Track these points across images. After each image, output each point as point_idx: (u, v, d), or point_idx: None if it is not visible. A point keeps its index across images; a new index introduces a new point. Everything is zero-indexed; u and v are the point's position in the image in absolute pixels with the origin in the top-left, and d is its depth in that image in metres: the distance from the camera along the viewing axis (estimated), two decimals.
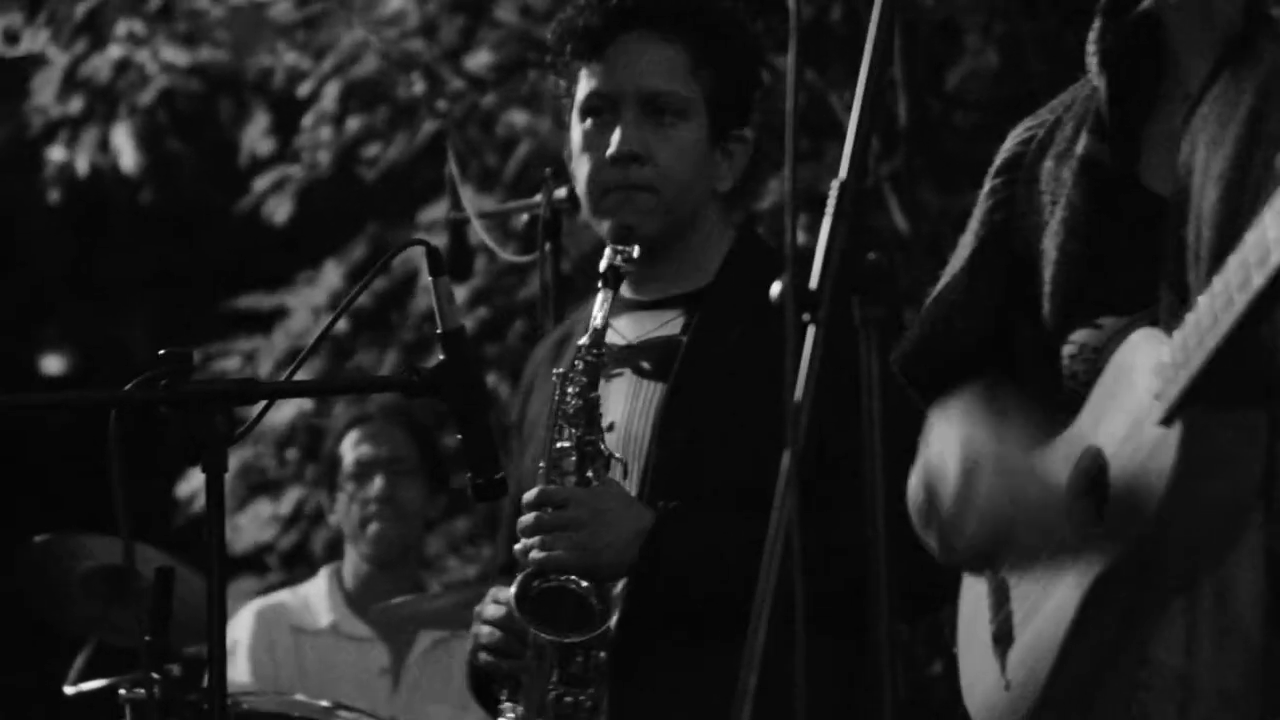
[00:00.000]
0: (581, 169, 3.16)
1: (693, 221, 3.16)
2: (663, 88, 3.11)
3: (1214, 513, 1.99)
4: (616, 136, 3.09)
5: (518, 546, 3.02)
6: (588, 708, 2.94)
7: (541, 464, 3.05)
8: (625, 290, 3.14)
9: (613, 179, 3.11)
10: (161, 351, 2.63)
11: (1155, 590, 2.03)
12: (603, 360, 3.03)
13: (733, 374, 3.02)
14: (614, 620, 2.95)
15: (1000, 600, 2.21)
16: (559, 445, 3.03)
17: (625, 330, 3.15)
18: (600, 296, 3.03)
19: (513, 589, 2.97)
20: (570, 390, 3.02)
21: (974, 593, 2.28)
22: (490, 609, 3.07)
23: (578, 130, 3.18)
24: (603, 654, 2.94)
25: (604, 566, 2.96)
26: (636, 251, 3.04)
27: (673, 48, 3.12)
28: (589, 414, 3.02)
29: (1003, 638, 2.19)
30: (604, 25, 3.13)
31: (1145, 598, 2.04)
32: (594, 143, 3.14)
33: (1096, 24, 2.22)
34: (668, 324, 3.14)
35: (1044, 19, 5.78)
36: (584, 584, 2.95)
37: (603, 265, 3.04)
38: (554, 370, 3.09)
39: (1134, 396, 2.01)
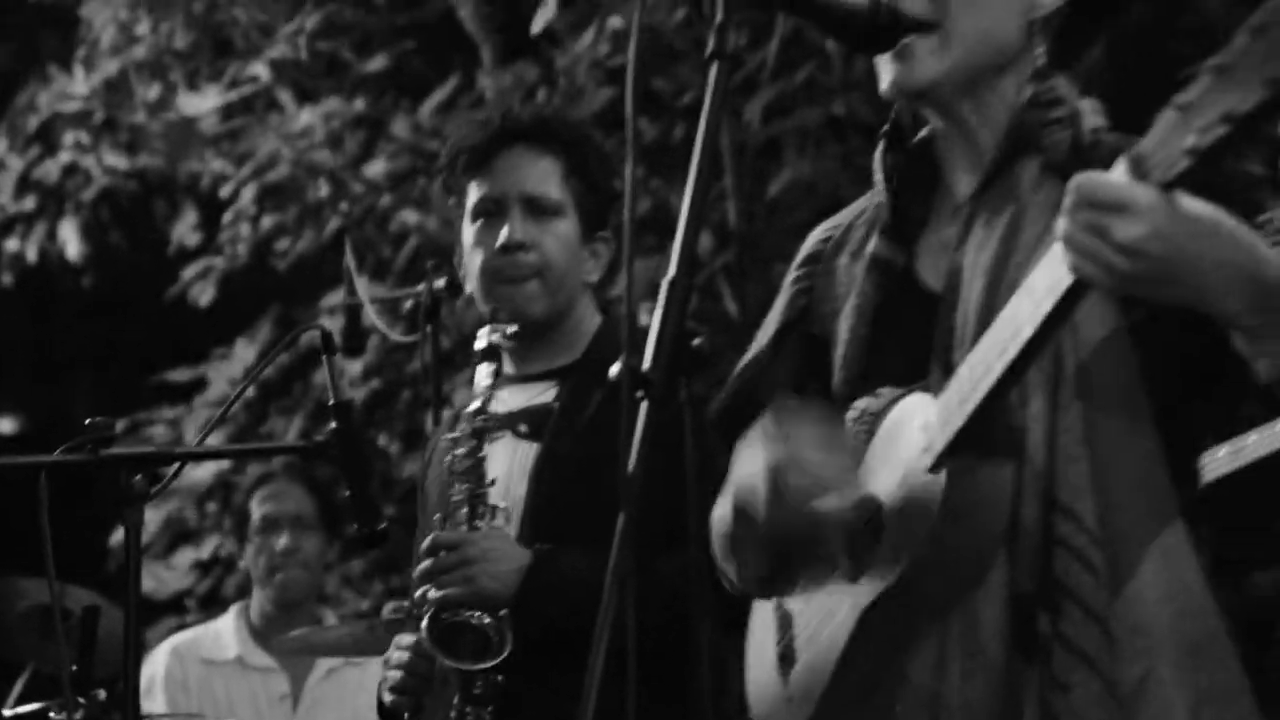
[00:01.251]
0: (474, 262, 3.17)
1: (569, 306, 3.17)
2: (540, 191, 3.14)
3: (966, 551, 1.99)
4: (505, 231, 3.11)
5: (418, 592, 2.99)
6: None
7: (438, 515, 3.05)
8: (509, 367, 3.14)
9: (503, 266, 3.12)
10: (88, 421, 2.59)
11: (915, 618, 2.03)
12: (488, 425, 3.02)
13: (595, 436, 3.00)
14: (509, 649, 2.93)
15: (785, 625, 2.21)
16: (453, 499, 3.02)
17: (508, 399, 3.13)
18: (482, 369, 3.02)
19: (423, 623, 2.94)
20: (460, 452, 3.02)
21: (761, 617, 2.27)
22: (395, 654, 3.05)
23: (469, 231, 3.18)
24: (500, 677, 2.92)
25: (491, 597, 2.94)
26: (510, 329, 3.04)
27: (548, 159, 3.16)
28: (477, 471, 3.01)
29: (787, 657, 2.18)
30: (489, 143, 3.16)
31: (906, 625, 2.03)
32: (484, 239, 3.14)
33: (880, 147, 2.24)
34: (542, 394, 3.13)
35: (848, 142, 5.86)
36: (486, 619, 2.93)
37: (480, 344, 3.04)
38: (444, 435, 3.09)
39: (905, 449, 2.02)
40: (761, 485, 2.10)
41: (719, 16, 2.01)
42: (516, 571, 2.95)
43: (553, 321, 3.14)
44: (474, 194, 3.17)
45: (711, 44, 2.01)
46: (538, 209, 3.13)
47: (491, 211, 3.14)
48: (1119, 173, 1.73)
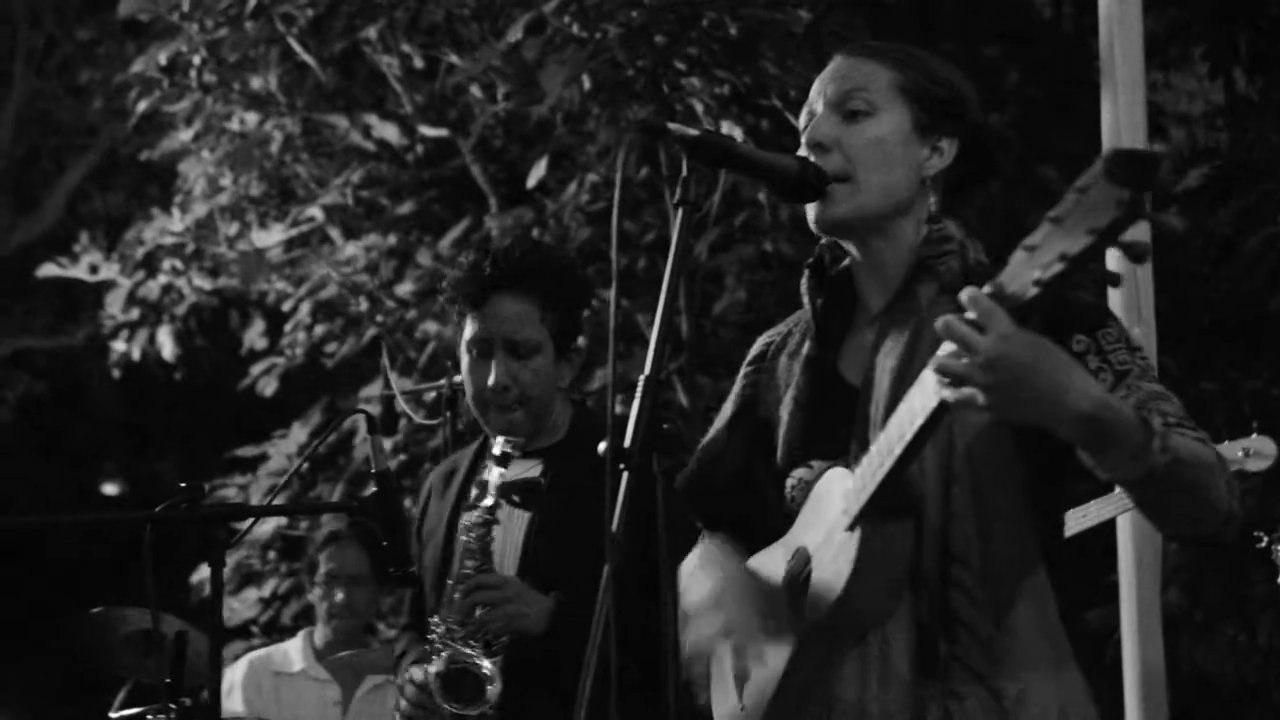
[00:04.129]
0: (468, 387, 3.08)
1: (550, 407, 3.08)
2: (521, 335, 3.01)
3: (878, 590, 1.98)
4: (492, 375, 3.01)
5: (477, 614, 2.89)
6: None
7: (450, 580, 2.94)
8: (501, 446, 3.09)
9: (492, 400, 3.03)
10: (182, 484, 2.57)
11: (840, 643, 2.01)
12: (495, 517, 2.91)
13: (578, 505, 2.89)
14: (494, 695, 2.84)
15: (740, 650, 2.18)
16: (463, 571, 2.92)
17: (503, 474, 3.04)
18: (496, 471, 2.90)
19: (433, 668, 2.85)
20: (473, 535, 2.92)
21: (723, 647, 2.25)
22: (407, 688, 2.93)
23: (465, 358, 3.08)
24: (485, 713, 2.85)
25: (524, 630, 2.87)
26: (521, 442, 2.94)
27: (526, 303, 3.01)
28: (484, 550, 2.91)
29: (741, 676, 2.16)
30: (479, 288, 3.03)
31: (833, 650, 2.02)
32: (476, 371, 3.04)
33: (806, 275, 2.25)
34: (530, 469, 3.04)
35: (775, 271, 5.89)
36: (485, 668, 2.85)
37: (496, 450, 2.91)
38: (462, 520, 2.98)
39: (829, 512, 2.02)
40: (710, 628, 2.11)
41: (684, 172, 2.03)
42: (545, 611, 2.88)
43: (541, 417, 3.05)
44: (468, 329, 3.05)
45: (679, 193, 2.03)
46: (519, 350, 3.01)
47: (481, 349, 3.03)
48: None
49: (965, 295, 1.73)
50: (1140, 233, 1.62)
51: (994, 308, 1.71)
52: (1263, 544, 4.03)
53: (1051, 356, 1.77)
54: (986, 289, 1.72)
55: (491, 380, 3.01)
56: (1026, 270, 1.66)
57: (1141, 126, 3.81)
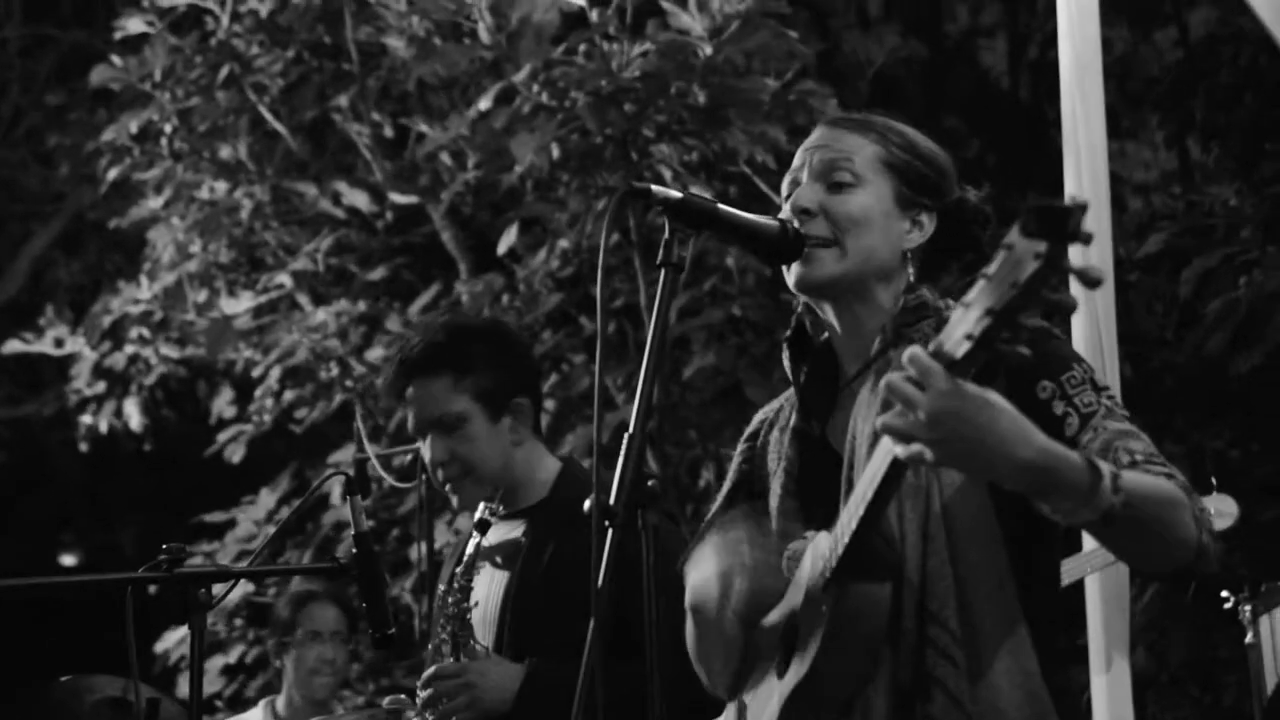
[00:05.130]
0: (425, 460, 3.11)
1: (508, 467, 3.05)
2: (440, 412, 3.00)
3: (851, 650, 2.00)
4: (427, 458, 3.04)
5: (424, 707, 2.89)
6: None
7: (429, 648, 2.96)
8: (480, 512, 3.08)
9: (439, 478, 3.06)
10: (165, 546, 2.58)
11: (823, 704, 2.02)
12: (471, 585, 2.92)
13: (558, 565, 2.92)
14: None
15: (741, 712, 2.20)
16: (438, 640, 2.93)
17: (487, 536, 3.04)
18: (473, 539, 2.92)
19: None
20: (450, 600, 2.93)
21: (729, 706, 2.27)
22: None
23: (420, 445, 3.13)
24: None
25: (492, 711, 2.86)
26: (502, 509, 2.97)
27: (438, 379, 3.01)
28: (462, 619, 2.92)
29: None
30: (397, 382, 3.06)
31: (817, 710, 2.03)
32: (424, 454, 3.09)
33: (785, 347, 2.28)
34: (514, 530, 3.04)
35: (744, 336, 5.94)
36: None
37: (477, 516, 2.93)
38: (439, 586, 3.00)
39: (812, 574, 2.05)
40: (714, 589, 2.12)
41: (666, 234, 2.06)
42: (510, 685, 2.86)
43: (501, 480, 3.05)
44: (408, 420, 3.10)
45: (661, 255, 2.06)
46: (445, 426, 3.00)
47: (420, 435, 3.07)
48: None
49: (906, 355, 1.76)
50: (1104, 258, 1.65)
51: (931, 365, 1.74)
52: (1229, 604, 4.07)
53: (991, 408, 1.79)
54: (930, 347, 1.75)
55: (427, 463, 3.05)
56: (960, 327, 1.70)
57: (1105, 196, 3.88)
